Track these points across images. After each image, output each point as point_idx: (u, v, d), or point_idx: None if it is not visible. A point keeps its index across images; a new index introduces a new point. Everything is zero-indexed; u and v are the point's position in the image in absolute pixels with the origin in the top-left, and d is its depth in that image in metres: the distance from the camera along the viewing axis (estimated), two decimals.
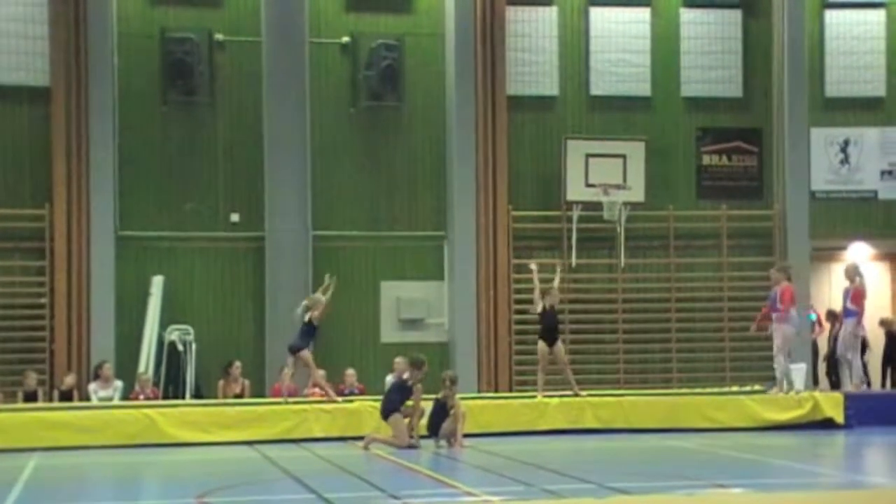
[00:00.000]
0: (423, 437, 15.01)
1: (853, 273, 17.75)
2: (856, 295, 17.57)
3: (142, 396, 18.03)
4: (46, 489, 12.15)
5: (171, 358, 19.34)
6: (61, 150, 19.50)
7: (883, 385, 21.08)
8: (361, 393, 17.89)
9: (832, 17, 22.14)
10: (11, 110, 19.81)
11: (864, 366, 19.41)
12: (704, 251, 21.65)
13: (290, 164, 20.01)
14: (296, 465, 13.41)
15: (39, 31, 19.75)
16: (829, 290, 22.16)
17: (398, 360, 17.37)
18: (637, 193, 20.92)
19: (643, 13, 21.65)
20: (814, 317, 21.19)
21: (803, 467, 13.18)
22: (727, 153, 21.90)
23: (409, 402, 14.95)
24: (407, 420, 14.94)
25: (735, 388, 18.82)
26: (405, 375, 15.18)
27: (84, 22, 19.57)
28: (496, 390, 19.93)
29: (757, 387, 18.71)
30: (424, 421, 15.10)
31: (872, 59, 22.18)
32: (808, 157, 21.78)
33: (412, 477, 12.44)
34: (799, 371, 19.20)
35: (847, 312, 17.72)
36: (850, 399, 17.46)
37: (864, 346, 19.67)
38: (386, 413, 14.95)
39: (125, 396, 18.21)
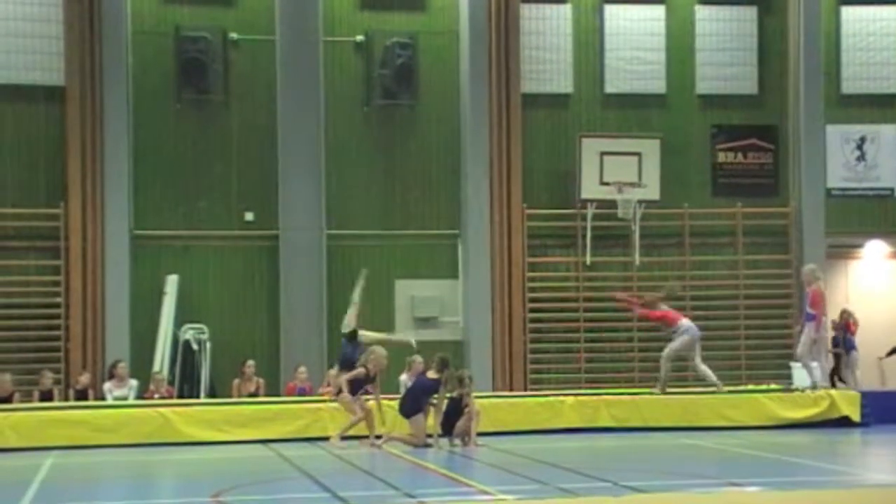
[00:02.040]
0: (429, 435, 14.98)
1: (811, 276, 17.52)
2: (814, 298, 17.34)
3: (156, 395, 18.04)
4: (62, 488, 12.18)
5: (185, 357, 19.36)
6: (76, 149, 19.54)
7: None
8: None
9: (848, 13, 22.04)
10: (26, 110, 19.87)
11: (833, 369, 19.28)
12: (720, 249, 21.59)
13: (304, 163, 20.02)
14: (311, 463, 13.41)
15: (54, 30, 19.80)
16: (846, 289, 22.09)
17: (417, 359, 17.31)
18: (652, 191, 20.87)
19: (658, 10, 21.60)
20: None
21: (819, 465, 13.12)
22: (742, 150, 21.83)
23: (435, 398, 14.95)
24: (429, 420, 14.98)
25: (751, 387, 18.75)
26: (431, 374, 15.12)
27: (98, 21, 19.61)
28: (511, 389, 19.90)
29: (773, 385, 18.65)
30: (431, 421, 15.09)
31: (889, 55, 22.09)
32: (823, 154, 21.69)
33: (427, 475, 12.44)
34: (814, 369, 19.12)
35: (806, 316, 17.45)
36: (866, 397, 17.39)
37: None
38: (410, 412, 14.92)
39: (140, 395, 18.23)
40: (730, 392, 18.01)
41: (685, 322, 17.39)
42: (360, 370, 14.78)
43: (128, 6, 20.00)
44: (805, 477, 11.87)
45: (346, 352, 15.37)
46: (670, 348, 17.39)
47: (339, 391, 14.96)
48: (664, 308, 17.59)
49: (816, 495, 9.88)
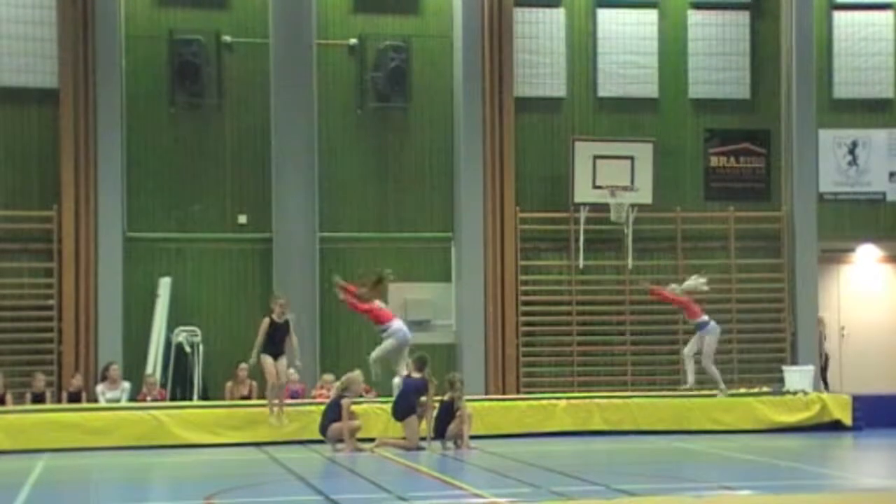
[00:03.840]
0: (422, 438, 15.01)
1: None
2: (686, 308, 17.62)
3: (149, 398, 18.04)
4: (54, 490, 12.18)
5: (178, 359, 19.33)
6: (69, 151, 19.52)
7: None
8: (367, 392, 17.87)
9: (840, 18, 22.10)
10: (20, 112, 19.84)
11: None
12: (712, 253, 21.61)
13: (297, 166, 20.02)
14: (303, 466, 13.43)
15: (47, 33, 19.77)
16: (838, 292, 22.13)
17: (409, 362, 17.33)
18: (644, 195, 20.90)
19: (651, 15, 21.63)
20: None
21: (811, 469, 13.16)
22: (735, 155, 21.86)
23: (423, 399, 15.01)
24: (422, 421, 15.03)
25: (743, 391, 18.79)
26: (415, 374, 15.17)
27: (92, 24, 19.59)
28: (503, 392, 19.91)
29: (765, 389, 18.69)
30: (423, 424, 15.12)
31: (880, 60, 22.14)
32: (816, 158, 21.74)
33: (419, 478, 12.45)
34: (806, 373, 19.19)
35: (699, 327, 17.71)
36: (858, 401, 17.44)
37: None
38: (403, 414, 14.96)
39: (133, 398, 18.22)
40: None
41: (396, 323, 15.82)
42: (346, 401, 15.00)
43: (121, 9, 19.99)
44: (797, 481, 11.90)
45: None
46: (375, 351, 15.91)
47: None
48: (376, 303, 15.97)
49: (809, 499, 9.92)
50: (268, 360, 15.81)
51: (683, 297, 17.99)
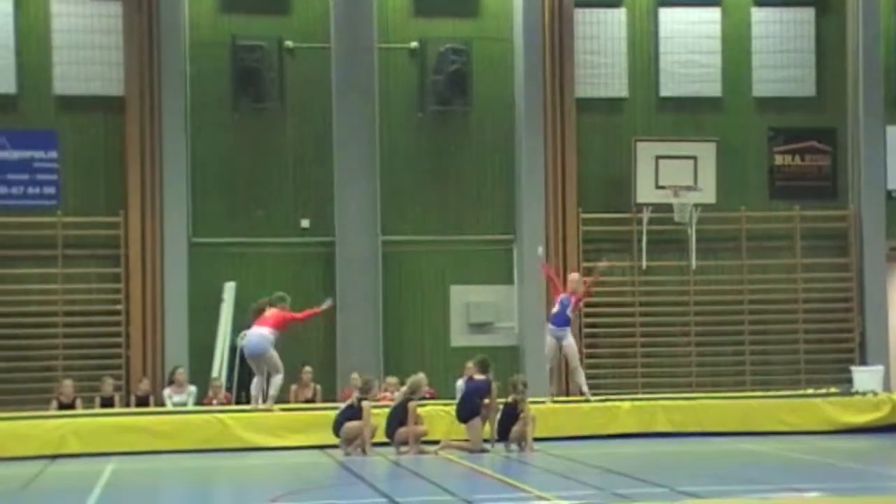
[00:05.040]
0: (486, 440, 15.02)
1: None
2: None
3: (215, 401, 18.22)
4: (123, 493, 12.35)
5: (243, 363, 19.46)
6: (135, 158, 19.79)
7: None
8: (432, 397, 17.90)
9: None
10: (87, 120, 20.15)
11: None
12: (777, 253, 21.40)
13: (359, 170, 20.11)
14: (368, 469, 13.49)
15: (114, 41, 20.06)
16: None
17: (469, 364, 17.37)
18: (708, 195, 20.74)
19: (713, 13, 21.46)
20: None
21: (880, 471, 12.97)
22: (800, 153, 21.62)
23: (487, 400, 15.04)
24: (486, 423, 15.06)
25: (810, 391, 18.58)
26: (478, 376, 15.21)
27: (156, 31, 19.85)
28: (567, 394, 19.84)
29: (833, 389, 18.47)
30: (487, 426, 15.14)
31: None
32: (883, 155, 21.42)
33: (483, 481, 12.46)
34: (875, 373, 18.94)
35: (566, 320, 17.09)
36: None
37: None
38: (467, 416, 15.00)
39: (199, 401, 18.41)
40: (789, 397, 17.87)
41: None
42: (413, 404, 15.02)
43: (185, 16, 20.23)
44: (865, 483, 11.75)
45: None
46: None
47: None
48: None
49: (877, 501, 9.79)
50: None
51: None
